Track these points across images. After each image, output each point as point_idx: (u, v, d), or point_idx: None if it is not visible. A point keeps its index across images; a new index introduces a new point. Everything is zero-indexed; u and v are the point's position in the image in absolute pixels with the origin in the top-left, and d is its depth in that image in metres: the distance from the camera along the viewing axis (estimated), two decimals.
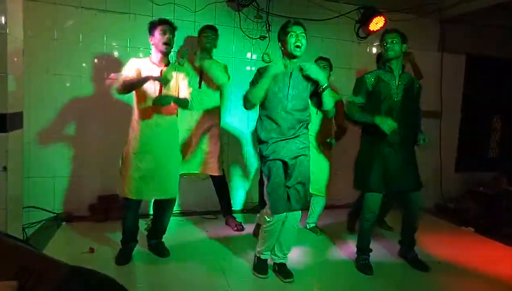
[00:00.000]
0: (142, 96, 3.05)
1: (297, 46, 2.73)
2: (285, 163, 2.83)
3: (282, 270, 3.03)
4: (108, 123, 4.08)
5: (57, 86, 3.97)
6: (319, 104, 2.89)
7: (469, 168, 5.76)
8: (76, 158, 4.07)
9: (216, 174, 3.91)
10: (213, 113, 3.88)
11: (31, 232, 3.64)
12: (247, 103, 2.81)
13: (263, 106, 2.89)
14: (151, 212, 3.55)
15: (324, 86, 2.76)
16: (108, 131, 4.07)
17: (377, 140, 3.11)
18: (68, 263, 1.23)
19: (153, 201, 3.42)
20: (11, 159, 2.86)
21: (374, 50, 5.09)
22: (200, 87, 3.80)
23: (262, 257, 3.04)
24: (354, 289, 3.05)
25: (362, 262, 3.27)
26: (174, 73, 3.15)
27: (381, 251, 3.61)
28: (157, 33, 3.01)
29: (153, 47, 3.09)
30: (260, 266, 3.05)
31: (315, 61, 3.88)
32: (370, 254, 3.32)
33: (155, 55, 3.09)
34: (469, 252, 3.88)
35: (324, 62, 3.85)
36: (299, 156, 2.86)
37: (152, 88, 3.05)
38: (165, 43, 3.01)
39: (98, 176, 4.12)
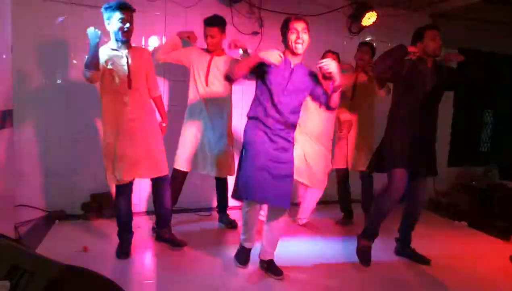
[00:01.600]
0: (111, 78, 2.95)
1: (298, 43, 2.70)
2: (266, 154, 2.79)
3: (272, 267, 3.02)
4: (100, 120, 4.03)
5: (48, 84, 3.93)
6: (327, 102, 2.83)
7: (462, 162, 5.81)
8: (68, 156, 4.03)
9: (227, 175, 3.86)
10: (224, 111, 3.71)
11: (24, 231, 3.60)
12: (227, 76, 2.95)
13: (260, 91, 2.84)
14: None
15: (338, 83, 2.68)
16: (100, 129, 4.02)
17: (407, 122, 3.20)
18: (61, 262, 1.22)
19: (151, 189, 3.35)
20: (2, 157, 2.83)
21: None
22: (207, 84, 3.62)
23: (245, 245, 3.07)
24: (350, 288, 3.03)
25: (363, 249, 3.26)
26: (138, 56, 3.06)
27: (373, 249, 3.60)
28: (115, 20, 2.85)
29: (111, 34, 2.94)
30: (240, 254, 3.11)
31: (324, 54, 3.85)
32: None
33: (114, 42, 2.97)
34: (462, 246, 3.92)
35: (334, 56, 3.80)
36: (282, 153, 2.84)
37: (120, 67, 2.95)
38: (125, 32, 2.89)
39: (91, 174, 4.08)
